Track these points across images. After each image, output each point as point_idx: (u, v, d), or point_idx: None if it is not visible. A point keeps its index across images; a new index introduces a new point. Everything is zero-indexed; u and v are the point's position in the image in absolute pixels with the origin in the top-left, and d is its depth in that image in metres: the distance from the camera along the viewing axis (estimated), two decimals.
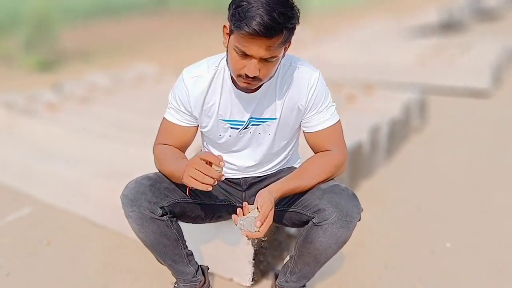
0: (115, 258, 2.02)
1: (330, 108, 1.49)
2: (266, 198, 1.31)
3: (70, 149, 2.76)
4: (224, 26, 1.32)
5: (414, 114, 3.58)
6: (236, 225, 1.29)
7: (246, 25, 1.20)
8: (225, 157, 1.57)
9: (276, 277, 1.67)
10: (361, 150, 2.65)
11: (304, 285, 1.60)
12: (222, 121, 1.48)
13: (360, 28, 8.34)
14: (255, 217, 1.28)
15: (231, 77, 1.42)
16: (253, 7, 1.19)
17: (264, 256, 1.83)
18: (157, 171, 1.53)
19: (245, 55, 1.27)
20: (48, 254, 2.06)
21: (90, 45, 8.24)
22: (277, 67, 1.37)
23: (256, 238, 1.29)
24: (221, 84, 1.45)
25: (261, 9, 1.19)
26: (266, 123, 1.48)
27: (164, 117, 1.53)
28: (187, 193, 1.42)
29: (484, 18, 10.36)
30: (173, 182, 1.49)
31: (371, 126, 2.81)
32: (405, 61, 5.37)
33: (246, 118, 1.47)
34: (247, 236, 1.29)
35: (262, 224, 1.28)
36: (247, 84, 1.33)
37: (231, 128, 1.49)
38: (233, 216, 1.31)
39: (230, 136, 1.51)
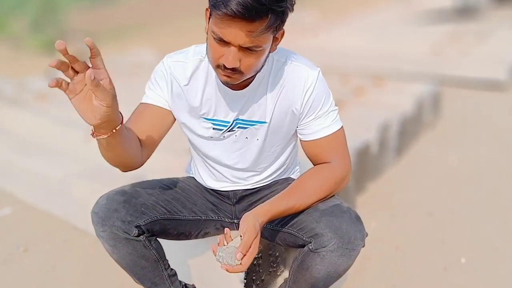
0: (96, 268, 1.85)
1: (331, 113, 1.28)
2: (249, 223, 1.11)
3: (57, 145, 2.59)
4: (207, 9, 1.11)
5: (427, 108, 3.34)
6: (215, 256, 1.10)
7: (223, 3, 0.99)
8: (211, 163, 1.39)
9: None
10: (368, 150, 2.44)
11: None
12: (204, 120, 1.29)
13: (369, 13, 8.03)
14: (236, 247, 1.08)
15: None
16: None
17: (258, 274, 1.64)
18: (133, 183, 1.35)
19: (223, 42, 1.07)
20: (23, 263, 1.90)
21: (98, 26, 8.08)
22: (264, 61, 1.15)
23: (239, 272, 1.09)
24: (205, 76, 1.25)
25: None
26: (255, 126, 1.28)
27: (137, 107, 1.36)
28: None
29: (501, 2, 9.93)
30: (151, 198, 1.31)
31: (380, 124, 2.60)
32: (417, 50, 5.09)
33: (231, 118, 1.27)
34: (227, 270, 1.08)
35: (244, 255, 1.08)
36: (227, 77, 1.13)
37: (214, 129, 1.29)
38: (213, 246, 1.11)
39: (211, 137, 1.31)
